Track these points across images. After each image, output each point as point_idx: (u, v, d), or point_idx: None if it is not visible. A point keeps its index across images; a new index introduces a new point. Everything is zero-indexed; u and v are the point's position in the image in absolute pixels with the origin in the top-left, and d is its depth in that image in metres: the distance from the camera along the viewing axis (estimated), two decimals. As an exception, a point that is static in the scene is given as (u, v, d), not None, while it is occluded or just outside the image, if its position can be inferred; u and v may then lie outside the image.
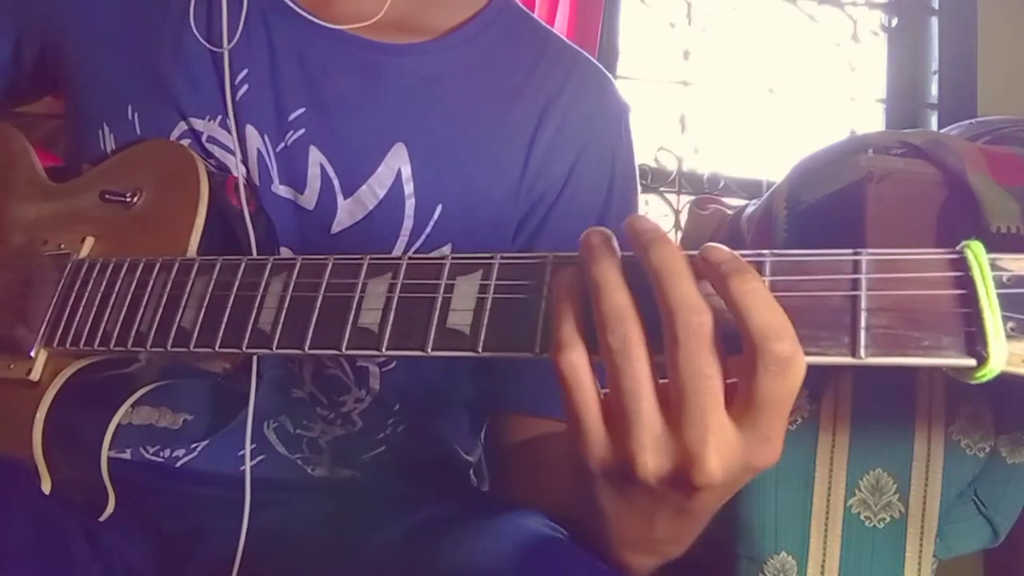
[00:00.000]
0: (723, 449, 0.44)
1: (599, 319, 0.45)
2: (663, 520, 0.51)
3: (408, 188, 0.79)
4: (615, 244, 0.47)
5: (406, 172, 0.79)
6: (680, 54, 2.14)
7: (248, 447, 0.73)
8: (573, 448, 0.49)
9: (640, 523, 0.52)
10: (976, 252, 0.40)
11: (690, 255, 0.46)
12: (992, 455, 1.05)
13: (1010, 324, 0.39)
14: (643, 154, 2.01)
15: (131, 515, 0.73)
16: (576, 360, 0.46)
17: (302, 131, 0.78)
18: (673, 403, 0.44)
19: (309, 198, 0.78)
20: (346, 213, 0.78)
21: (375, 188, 0.78)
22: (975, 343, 0.40)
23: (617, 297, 0.45)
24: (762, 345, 0.42)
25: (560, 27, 1.92)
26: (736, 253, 0.44)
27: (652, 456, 0.45)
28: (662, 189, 2.06)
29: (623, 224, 0.47)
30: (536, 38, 0.91)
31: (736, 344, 0.43)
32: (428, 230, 0.79)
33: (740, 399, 0.44)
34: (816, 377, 1.04)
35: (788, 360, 0.42)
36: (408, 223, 0.79)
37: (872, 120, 2.18)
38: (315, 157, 0.78)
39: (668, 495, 0.48)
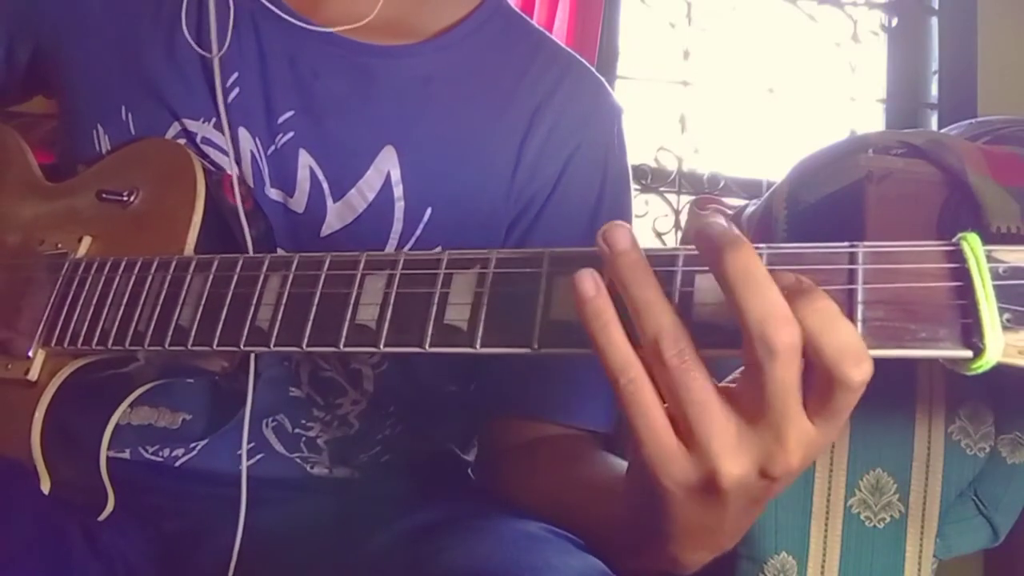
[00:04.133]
0: (802, 440, 0.43)
1: (648, 338, 0.43)
2: (733, 517, 0.49)
3: (397, 191, 0.79)
4: (637, 245, 0.45)
5: (395, 175, 0.79)
6: (680, 54, 2.14)
7: (245, 445, 0.73)
8: (642, 466, 0.47)
9: (712, 524, 0.50)
10: (972, 244, 0.40)
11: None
12: (992, 455, 1.05)
13: (1006, 315, 0.39)
14: (643, 154, 2.01)
15: (131, 514, 0.73)
16: (638, 378, 0.44)
17: (291, 134, 0.78)
18: (749, 409, 0.43)
19: (299, 201, 0.78)
20: (335, 216, 0.78)
21: (364, 191, 0.78)
22: (971, 335, 0.39)
23: (664, 315, 0.43)
24: (840, 370, 0.40)
25: (560, 27, 1.92)
26: (801, 275, 0.42)
27: (734, 463, 0.44)
28: (662, 189, 2.06)
29: (694, 231, 0.45)
30: (529, 40, 0.90)
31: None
32: (418, 233, 0.79)
33: (813, 406, 0.43)
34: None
35: (864, 381, 0.40)
36: (398, 226, 0.79)
37: (872, 120, 2.17)
38: (304, 160, 0.78)
39: (747, 492, 0.46)
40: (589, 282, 0.45)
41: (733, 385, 0.44)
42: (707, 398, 0.43)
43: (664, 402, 0.45)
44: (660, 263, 0.46)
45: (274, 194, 0.78)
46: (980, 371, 0.40)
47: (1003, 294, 0.39)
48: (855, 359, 0.40)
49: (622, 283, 0.44)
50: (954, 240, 0.41)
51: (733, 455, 0.44)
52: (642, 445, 0.45)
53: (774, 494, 0.48)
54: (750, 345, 0.41)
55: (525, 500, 0.71)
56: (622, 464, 0.67)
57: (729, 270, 0.41)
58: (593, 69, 0.92)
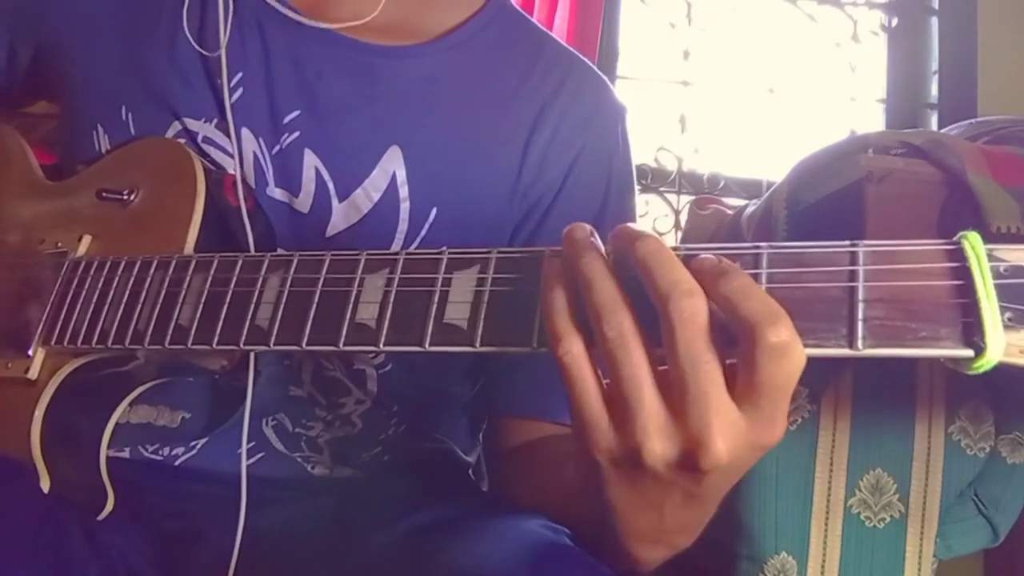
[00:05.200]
0: (728, 431, 0.44)
1: (592, 311, 0.45)
2: (673, 508, 0.51)
3: (403, 191, 0.78)
4: (597, 238, 0.48)
5: (401, 175, 0.78)
6: (680, 54, 2.14)
7: (244, 444, 0.73)
8: (579, 440, 0.49)
9: (650, 513, 0.52)
10: (973, 243, 0.40)
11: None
12: (992, 455, 1.05)
13: (1008, 314, 0.39)
14: (643, 154, 2.01)
15: (131, 514, 0.73)
16: (576, 350, 0.46)
17: (297, 134, 0.78)
18: (675, 389, 0.44)
19: (304, 201, 0.78)
20: (341, 216, 0.78)
21: (370, 191, 0.78)
22: (972, 333, 0.39)
23: (606, 287, 0.45)
24: (756, 332, 0.41)
25: (560, 27, 1.92)
26: (720, 255, 0.45)
27: (658, 442, 0.45)
28: (662, 189, 2.06)
29: (610, 233, 0.48)
30: (532, 40, 0.90)
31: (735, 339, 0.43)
32: (423, 234, 0.79)
33: (742, 384, 0.43)
34: (816, 377, 1.04)
35: (784, 346, 0.41)
36: (403, 226, 0.79)
37: (872, 120, 2.18)
38: (310, 160, 0.78)
39: (677, 481, 0.47)
40: (549, 261, 0.49)
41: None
42: (638, 374, 0.45)
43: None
44: None
45: (278, 194, 0.78)
46: (981, 370, 0.40)
47: (1004, 293, 0.39)
48: (770, 320, 0.41)
49: (569, 259, 0.47)
50: (955, 239, 0.41)
51: (658, 432, 0.45)
52: (574, 412, 0.48)
53: (713, 490, 0.50)
54: (663, 320, 0.44)
55: (527, 500, 0.71)
56: None
57: (640, 254, 0.45)
58: (596, 69, 0.92)
